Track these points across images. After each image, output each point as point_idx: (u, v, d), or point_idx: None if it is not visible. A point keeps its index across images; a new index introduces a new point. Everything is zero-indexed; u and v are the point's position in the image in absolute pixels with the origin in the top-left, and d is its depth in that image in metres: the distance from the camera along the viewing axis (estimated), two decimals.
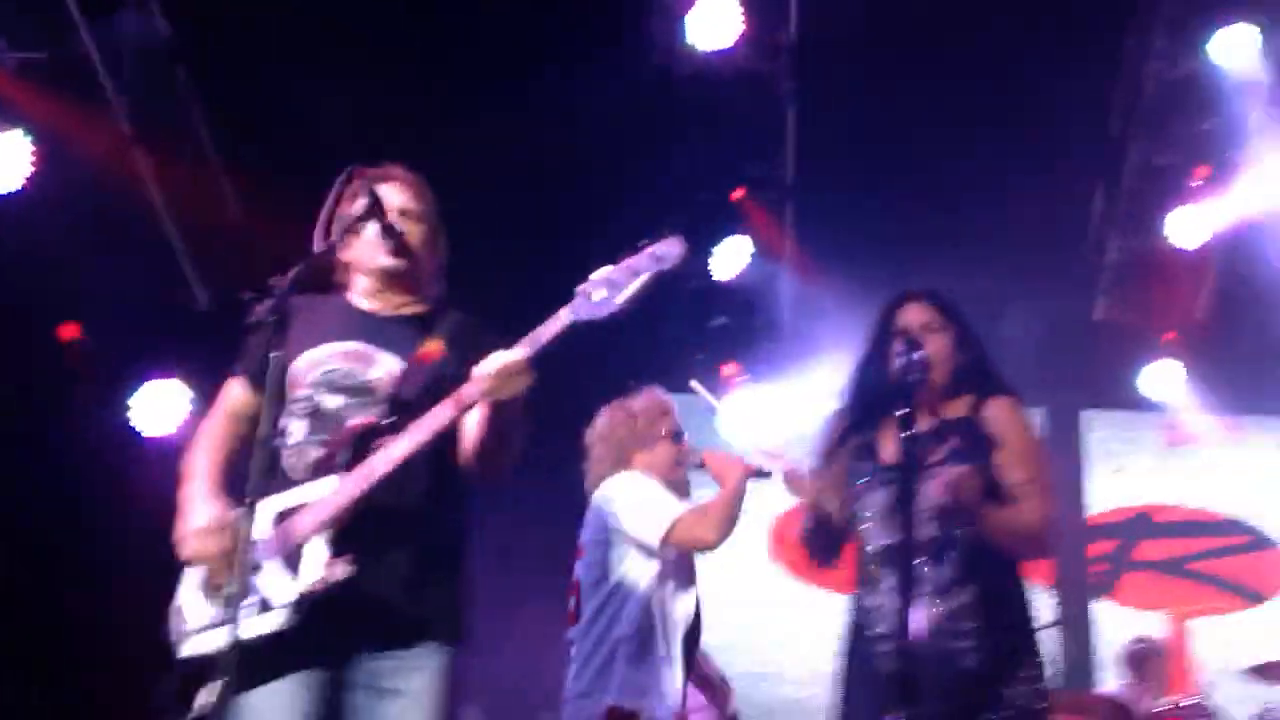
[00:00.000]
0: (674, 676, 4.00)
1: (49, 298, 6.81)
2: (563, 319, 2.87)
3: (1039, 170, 7.44)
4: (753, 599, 8.62)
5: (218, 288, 7.34)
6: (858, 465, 3.64)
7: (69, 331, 7.00)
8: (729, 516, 3.98)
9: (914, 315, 3.66)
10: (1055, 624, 6.65)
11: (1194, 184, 7.52)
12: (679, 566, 4.09)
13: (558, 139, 6.87)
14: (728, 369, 8.32)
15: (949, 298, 3.76)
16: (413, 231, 3.27)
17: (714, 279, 7.92)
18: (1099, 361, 8.46)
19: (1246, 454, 8.73)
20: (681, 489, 4.21)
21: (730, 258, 7.86)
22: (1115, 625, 8.11)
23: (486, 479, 3.11)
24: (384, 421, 3.01)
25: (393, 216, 3.20)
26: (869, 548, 3.53)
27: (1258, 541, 8.60)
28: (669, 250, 2.85)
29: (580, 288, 2.87)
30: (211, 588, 2.97)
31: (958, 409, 3.58)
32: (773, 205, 7.90)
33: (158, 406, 7.17)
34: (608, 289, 2.83)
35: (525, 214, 7.28)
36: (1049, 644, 6.28)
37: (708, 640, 8.29)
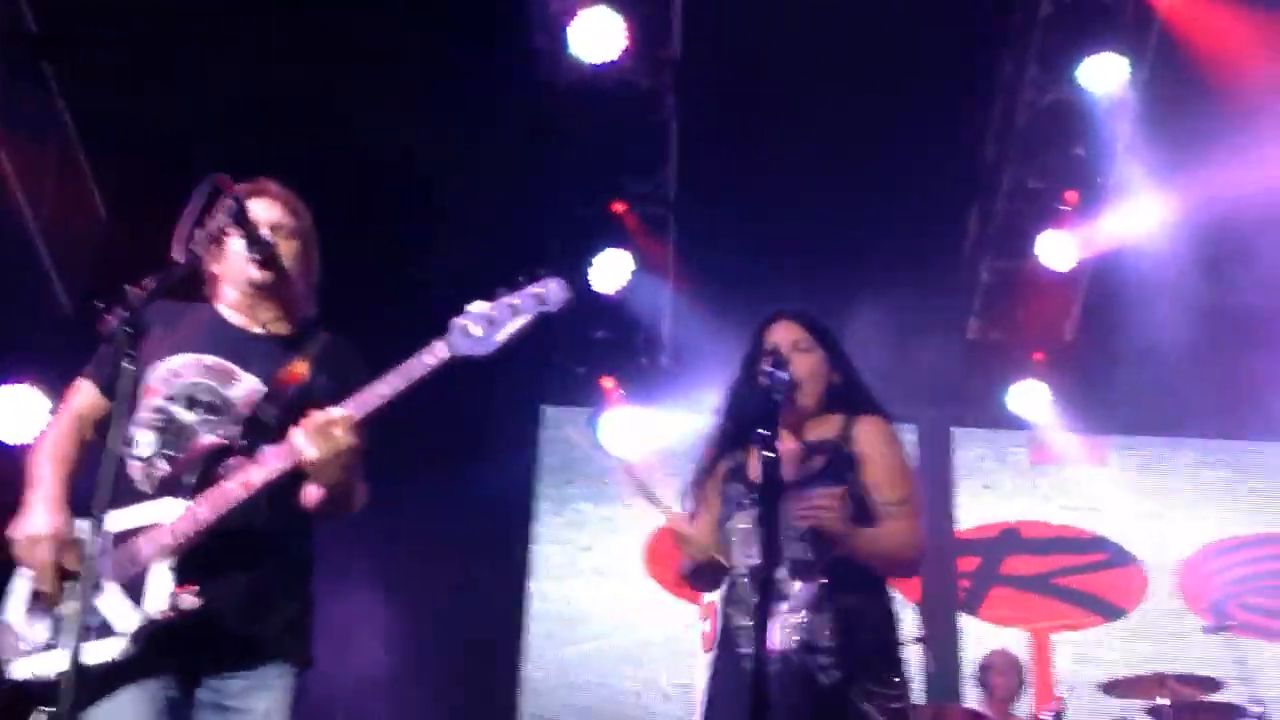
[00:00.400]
0: None
1: None
2: (438, 354, 2.84)
3: (915, 191, 7.58)
4: (627, 614, 8.65)
5: (82, 290, 7.13)
6: (728, 487, 3.64)
7: None
8: None
9: (783, 334, 3.67)
10: (920, 639, 6.72)
11: (1064, 208, 7.71)
12: None
13: (437, 150, 6.81)
14: (607, 382, 8.33)
15: (819, 317, 3.78)
16: (284, 247, 3.22)
17: (594, 292, 7.91)
18: (970, 380, 8.64)
19: (1109, 473, 8.98)
20: None
21: (610, 271, 7.86)
22: (980, 640, 8.25)
23: (327, 518, 3.06)
24: (236, 444, 2.95)
25: (264, 231, 3.15)
26: (738, 568, 3.53)
27: (1118, 558, 8.82)
28: (552, 292, 2.83)
29: (456, 321, 2.84)
30: (41, 602, 2.89)
31: (827, 429, 3.60)
32: (654, 220, 7.93)
33: (15, 413, 6.92)
34: (485, 326, 2.80)
35: (402, 226, 7.19)
36: (913, 659, 6.46)
37: (583, 652, 8.46)
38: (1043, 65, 7.36)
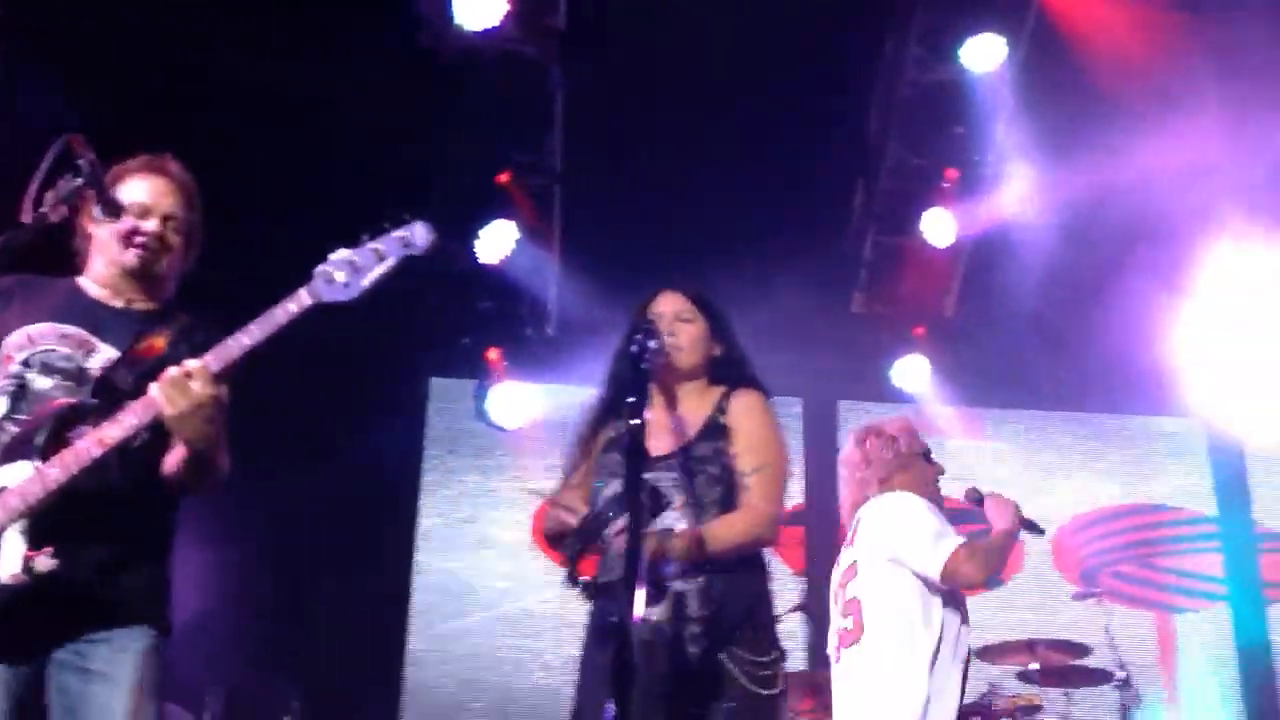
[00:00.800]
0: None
1: None
2: (301, 301, 2.79)
3: (801, 167, 7.65)
4: (511, 586, 8.65)
5: None
6: (604, 456, 3.65)
7: None
8: (998, 561, 4.06)
9: (667, 305, 3.70)
10: (802, 608, 6.83)
11: (945, 185, 7.82)
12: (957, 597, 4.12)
13: (318, 119, 6.70)
14: (492, 354, 8.29)
15: (703, 290, 3.81)
16: (170, 237, 3.18)
17: (480, 262, 7.85)
18: (855, 354, 8.72)
19: (987, 446, 9.17)
20: (939, 503, 4.30)
21: (496, 242, 7.81)
22: None
23: (190, 493, 3.02)
24: (87, 404, 2.89)
25: (154, 216, 3.13)
26: (609, 537, 3.54)
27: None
28: (416, 235, 2.79)
29: (319, 268, 2.80)
30: None
31: (705, 400, 3.63)
32: (539, 191, 7.89)
33: None
34: (349, 272, 2.76)
35: (285, 196, 7.07)
36: (795, 628, 6.56)
37: (467, 624, 8.44)
38: (924, 45, 7.45)
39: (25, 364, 3.00)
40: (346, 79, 6.50)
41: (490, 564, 8.77)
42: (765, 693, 3.36)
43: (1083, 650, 6.67)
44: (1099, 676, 6.60)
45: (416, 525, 8.78)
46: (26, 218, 2.89)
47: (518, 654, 8.56)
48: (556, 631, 8.36)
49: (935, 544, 3.99)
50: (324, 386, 7.76)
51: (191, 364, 2.77)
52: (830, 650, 4.30)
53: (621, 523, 3.29)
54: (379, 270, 2.77)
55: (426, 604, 8.64)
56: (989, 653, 6.82)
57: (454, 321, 8.23)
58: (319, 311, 2.83)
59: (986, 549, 4.05)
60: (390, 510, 8.64)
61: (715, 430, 3.56)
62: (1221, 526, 9.14)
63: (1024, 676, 6.64)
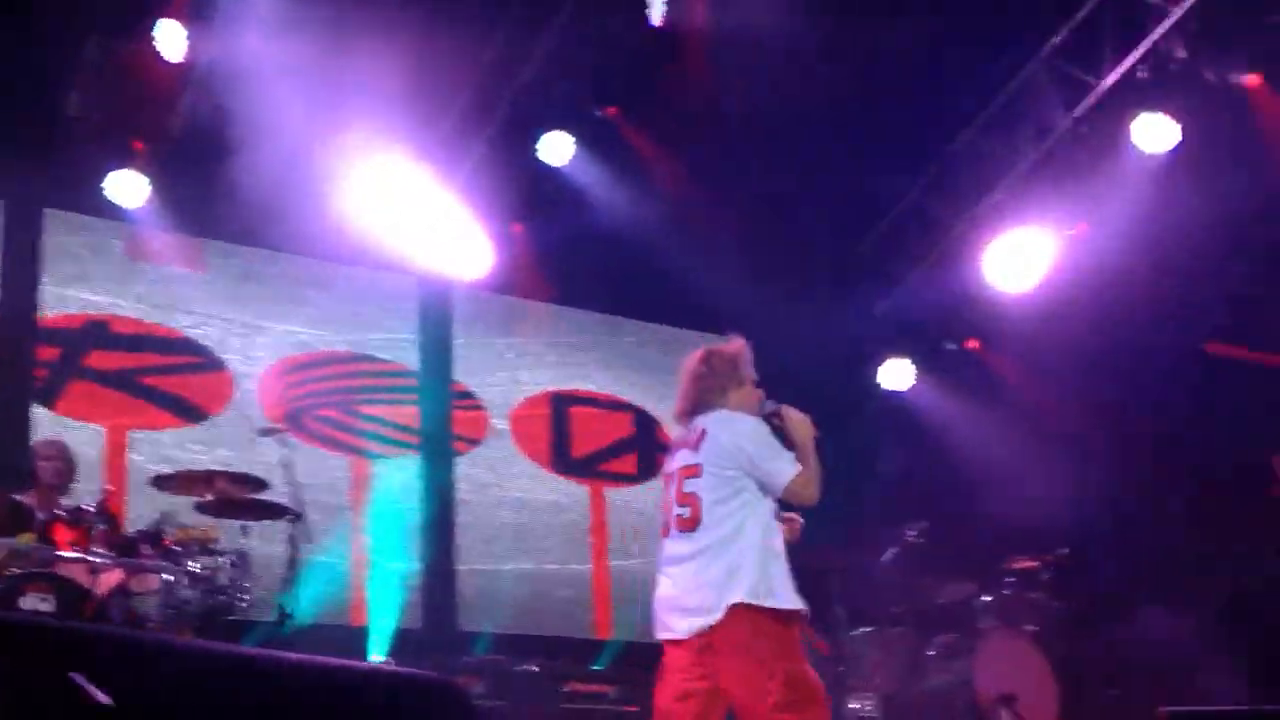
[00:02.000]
0: None
1: None
2: None
3: None
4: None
5: None
6: None
7: None
8: (819, 480, 4.58)
9: None
10: None
11: None
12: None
13: None
14: None
15: None
16: None
17: None
18: (67, 160, 8.09)
19: (206, 277, 8.95)
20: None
21: None
22: (55, 432, 7.84)
23: None
24: None
25: None
26: None
27: (207, 363, 8.86)
28: None
29: None
30: None
31: None
32: None
33: None
34: None
35: None
36: None
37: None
38: None
39: None
40: None
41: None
42: None
43: (261, 485, 6.79)
44: (276, 511, 6.72)
45: None
46: None
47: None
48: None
49: (782, 466, 4.53)
50: None
51: None
52: (661, 527, 4.70)
53: None
54: None
55: None
56: (168, 483, 6.76)
57: None
58: None
59: (815, 473, 4.58)
60: None
61: None
62: (421, 381, 9.66)
63: (201, 507, 6.63)
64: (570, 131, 8.84)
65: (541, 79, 8.47)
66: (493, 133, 8.75)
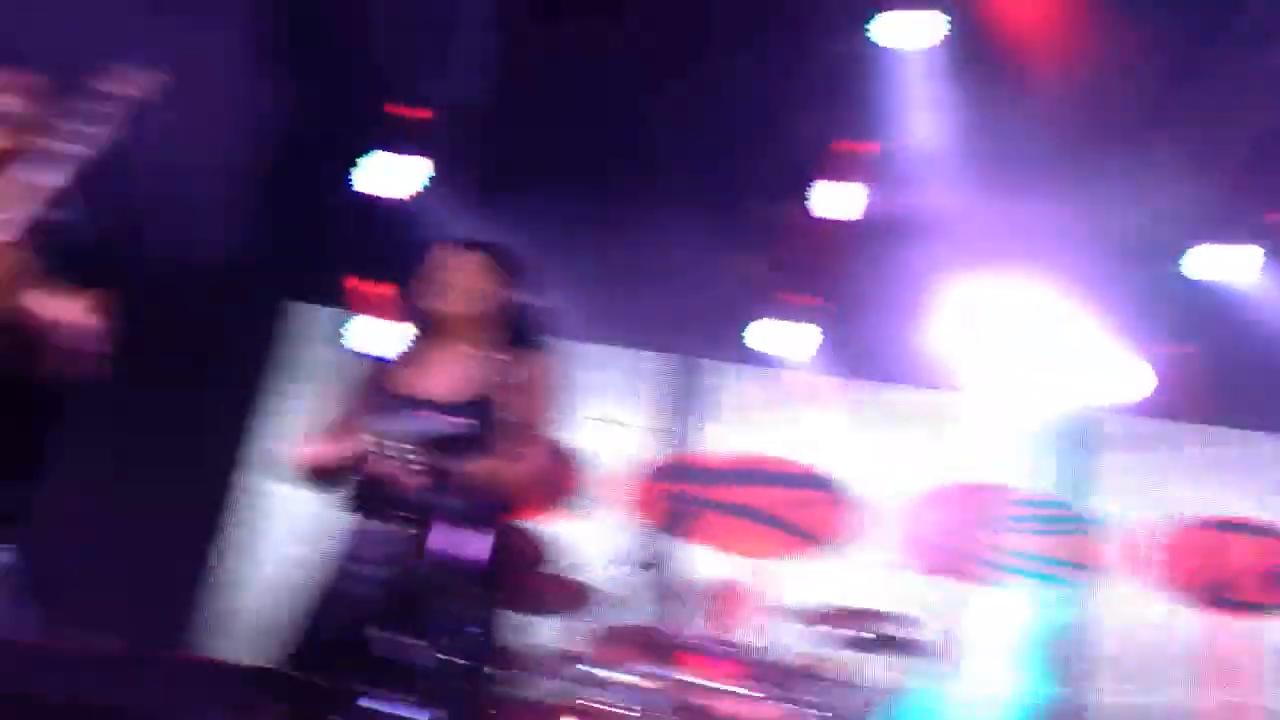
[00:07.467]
0: None
1: None
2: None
3: (691, 128, 7.62)
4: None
5: None
6: (379, 396, 3.71)
7: None
8: None
9: (451, 256, 3.77)
10: (646, 564, 6.86)
11: (846, 158, 7.83)
12: None
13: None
14: (356, 282, 8.25)
15: (505, 248, 3.85)
16: None
17: (355, 192, 7.82)
18: (725, 316, 8.76)
19: (840, 413, 9.24)
20: None
21: (388, 174, 7.78)
22: (701, 566, 8.36)
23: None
24: None
25: None
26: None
27: (838, 495, 9.20)
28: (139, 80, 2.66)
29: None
30: None
31: (491, 354, 3.69)
32: (452, 127, 7.78)
33: None
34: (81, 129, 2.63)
35: None
36: (626, 580, 6.59)
37: (290, 553, 8.21)
38: (837, 14, 7.31)
39: None
40: None
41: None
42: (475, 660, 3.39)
43: (911, 621, 6.83)
44: (921, 647, 6.79)
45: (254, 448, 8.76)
46: None
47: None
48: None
49: None
50: (181, 311, 7.63)
51: None
52: None
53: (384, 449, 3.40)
54: (104, 124, 2.61)
55: (251, 527, 8.68)
56: (819, 617, 6.88)
57: (316, 248, 8.18)
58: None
59: None
60: (232, 432, 8.60)
61: (494, 383, 3.62)
62: (1057, 508, 9.42)
63: (853, 643, 6.77)
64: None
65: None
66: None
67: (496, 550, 3.41)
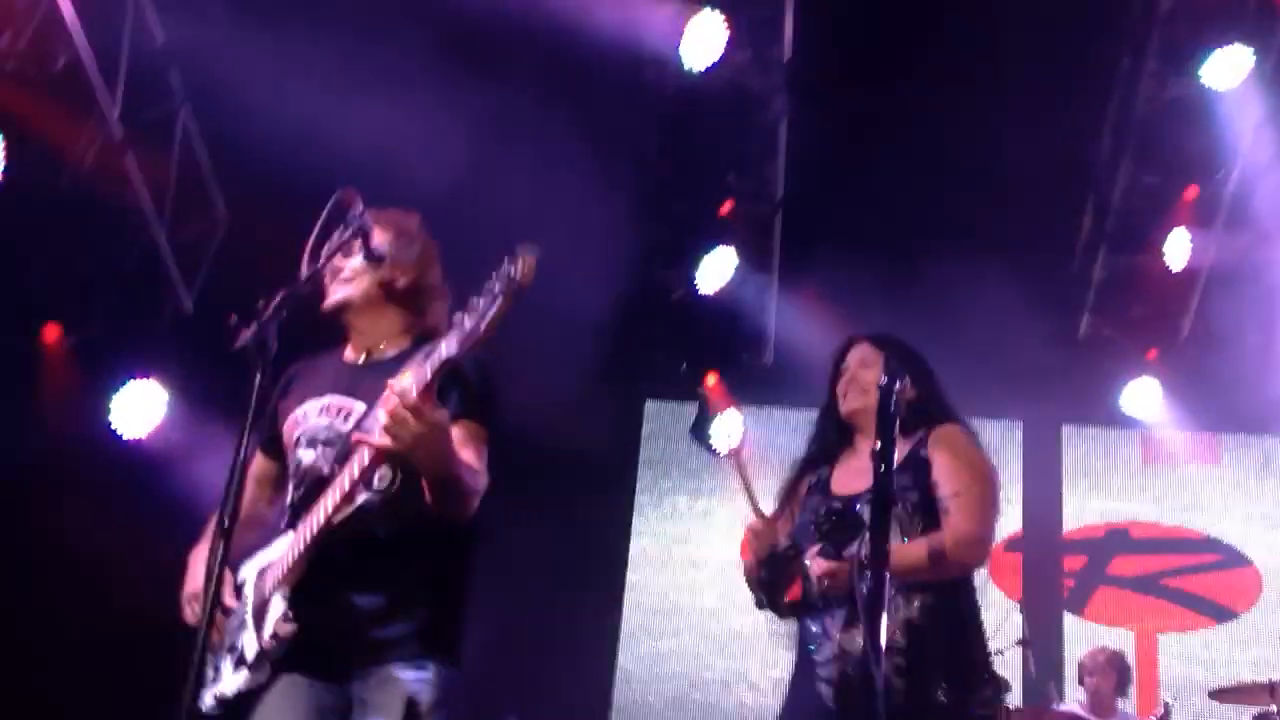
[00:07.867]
0: None
1: (32, 297, 6.77)
2: (441, 353, 2.69)
3: (1028, 188, 7.48)
4: (720, 606, 8.69)
5: (200, 291, 7.34)
6: (810, 498, 3.69)
7: (52, 333, 6.94)
8: None
9: (854, 355, 3.74)
10: (1022, 641, 6.69)
11: (1182, 205, 7.56)
12: None
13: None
14: (710, 379, 8.36)
15: (895, 338, 3.83)
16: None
17: (699, 291, 7.94)
18: (1081, 377, 8.49)
19: (1222, 472, 8.81)
20: None
21: (717, 270, 7.87)
22: (1086, 641, 8.09)
23: (448, 517, 2.94)
24: (327, 469, 2.94)
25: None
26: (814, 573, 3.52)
27: (1230, 560, 8.66)
28: (518, 265, 2.60)
29: (455, 316, 2.71)
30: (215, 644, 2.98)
31: (904, 441, 3.57)
32: (760, 218, 7.91)
33: (137, 408, 7.09)
34: (470, 316, 2.65)
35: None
36: (1015, 661, 6.42)
37: (676, 643, 8.52)
38: (1163, 59, 7.18)
39: (296, 443, 3.08)
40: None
41: (700, 584, 8.84)
42: None
43: None
44: None
45: (629, 546, 8.92)
46: (305, 271, 2.93)
47: (725, 674, 8.60)
48: (764, 652, 8.34)
49: None
50: (540, 410, 7.87)
51: (400, 389, 2.69)
52: None
53: (816, 548, 3.40)
54: (494, 309, 2.61)
55: (637, 623, 8.77)
56: (1226, 693, 6.55)
57: (673, 347, 8.32)
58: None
59: None
60: (604, 531, 8.79)
61: (915, 463, 3.56)
62: None
63: (1262, 718, 6.38)
64: None
65: None
66: None
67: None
